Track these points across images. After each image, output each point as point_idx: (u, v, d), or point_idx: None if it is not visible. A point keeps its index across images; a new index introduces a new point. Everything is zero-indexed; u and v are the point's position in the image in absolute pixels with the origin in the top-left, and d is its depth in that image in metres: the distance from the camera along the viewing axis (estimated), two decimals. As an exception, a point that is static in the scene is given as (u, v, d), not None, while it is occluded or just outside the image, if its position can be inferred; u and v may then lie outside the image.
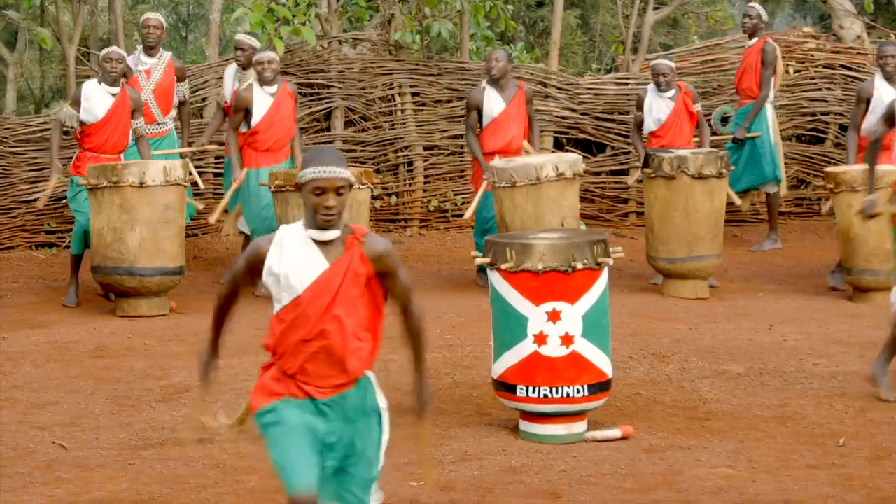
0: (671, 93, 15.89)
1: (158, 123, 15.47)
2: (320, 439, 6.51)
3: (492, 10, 18.59)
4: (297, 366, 6.53)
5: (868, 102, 15.38)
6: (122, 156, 14.57)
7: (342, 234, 6.49)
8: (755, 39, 17.17)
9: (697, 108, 16.00)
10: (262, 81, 14.93)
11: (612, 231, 18.05)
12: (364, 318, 6.60)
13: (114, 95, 14.38)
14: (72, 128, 14.34)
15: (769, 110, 17.07)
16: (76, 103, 14.31)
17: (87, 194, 13.95)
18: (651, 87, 16.06)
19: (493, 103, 15.31)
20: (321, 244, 6.45)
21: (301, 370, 6.54)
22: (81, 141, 14.51)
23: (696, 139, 16.08)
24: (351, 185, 6.43)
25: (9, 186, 16.82)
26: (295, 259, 6.43)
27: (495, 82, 15.30)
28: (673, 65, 16.25)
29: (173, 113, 15.80)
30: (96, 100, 14.32)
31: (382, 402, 6.82)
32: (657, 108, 15.90)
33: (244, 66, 15.48)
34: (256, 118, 14.86)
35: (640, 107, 16.10)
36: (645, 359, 11.86)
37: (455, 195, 18.31)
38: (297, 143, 15.20)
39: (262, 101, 14.91)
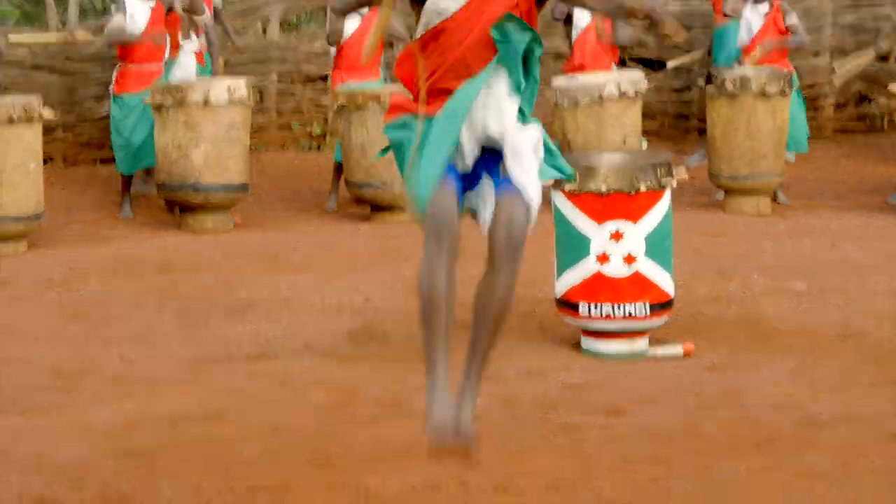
0: (766, 5, 15.69)
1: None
2: None
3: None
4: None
5: None
6: (162, 65, 14.63)
7: None
8: None
9: (791, 20, 15.78)
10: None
11: (674, 148, 18.02)
12: None
13: (151, 7, 14.44)
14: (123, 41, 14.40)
15: None
16: (124, 15, 14.37)
17: (135, 112, 14.08)
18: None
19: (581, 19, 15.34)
20: None
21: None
22: (123, 55, 14.56)
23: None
24: None
25: (74, 104, 16.87)
26: None
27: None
28: None
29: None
30: (136, 12, 14.38)
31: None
32: (749, 21, 15.73)
33: None
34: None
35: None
36: (707, 276, 11.87)
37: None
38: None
39: (352, 22, 14.91)
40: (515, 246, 6.29)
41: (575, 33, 15.45)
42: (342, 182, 14.74)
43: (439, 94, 6.12)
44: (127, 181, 14.50)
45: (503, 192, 6.17)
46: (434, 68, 6.15)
